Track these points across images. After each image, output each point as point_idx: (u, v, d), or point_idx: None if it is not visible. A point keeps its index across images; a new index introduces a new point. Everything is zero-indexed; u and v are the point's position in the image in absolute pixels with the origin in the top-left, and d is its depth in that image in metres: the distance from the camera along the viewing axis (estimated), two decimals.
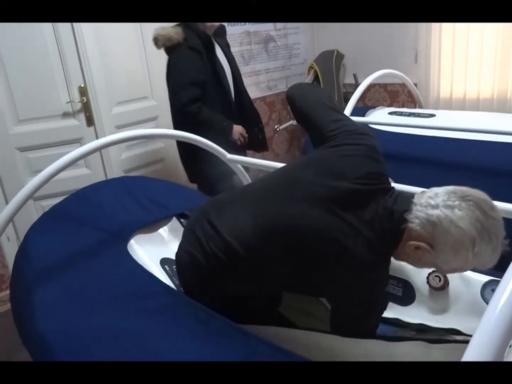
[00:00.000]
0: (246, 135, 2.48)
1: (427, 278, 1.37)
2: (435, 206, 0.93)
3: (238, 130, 2.43)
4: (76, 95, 2.60)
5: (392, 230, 0.98)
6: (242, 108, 2.56)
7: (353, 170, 1.06)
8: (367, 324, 1.09)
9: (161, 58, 2.43)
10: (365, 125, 2.32)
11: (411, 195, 1.01)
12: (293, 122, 4.00)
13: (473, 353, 0.53)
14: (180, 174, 3.24)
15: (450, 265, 0.96)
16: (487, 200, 0.93)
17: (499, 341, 0.53)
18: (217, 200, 1.25)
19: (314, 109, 1.23)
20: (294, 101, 1.29)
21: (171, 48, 2.30)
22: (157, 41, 2.30)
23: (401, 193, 1.04)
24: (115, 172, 2.80)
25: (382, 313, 1.12)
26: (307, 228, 1.01)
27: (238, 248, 1.05)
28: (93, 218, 1.43)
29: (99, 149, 1.43)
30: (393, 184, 1.16)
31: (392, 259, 1.06)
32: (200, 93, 2.27)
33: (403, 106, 3.73)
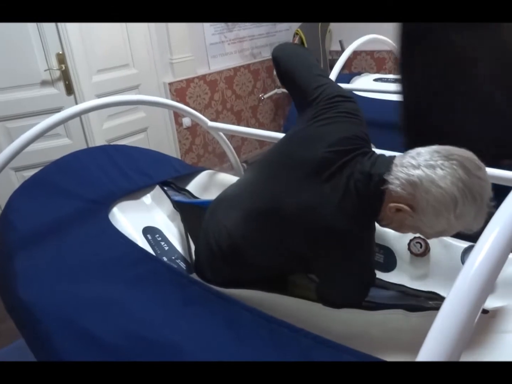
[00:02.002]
0: None
1: (408, 244, 1.38)
2: (417, 166, 0.89)
3: None
4: (54, 63, 2.52)
5: (370, 194, 0.95)
6: None
7: (327, 138, 1.03)
8: (353, 296, 1.07)
9: (141, 24, 2.34)
10: (349, 92, 2.29)
11: (392, 157, 0.97)
12: (277, 90, 3.94)
13: (447, 313, 0.53)
14: (163, 144, 3.20)
15: (433, 229, 0.93)
16: (473, 159, 0.88)
17: (472, 303, 0.53)
18: (226, 191, 1.26)
19: (299, 73, 1.20)
20: (279, 63, 1.25)
21: None
22: None
23: (381, 156, 1.00)
24: (97, 142, 2.75)
25: (370, 285, 1.09)
26: (286, 206, 1.00)
27: (238, 239, 1.09)
28: (74, 186, 1.41)
29: (76, 115, 1.39)
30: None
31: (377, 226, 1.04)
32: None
33: (390, 74, 3.69)
